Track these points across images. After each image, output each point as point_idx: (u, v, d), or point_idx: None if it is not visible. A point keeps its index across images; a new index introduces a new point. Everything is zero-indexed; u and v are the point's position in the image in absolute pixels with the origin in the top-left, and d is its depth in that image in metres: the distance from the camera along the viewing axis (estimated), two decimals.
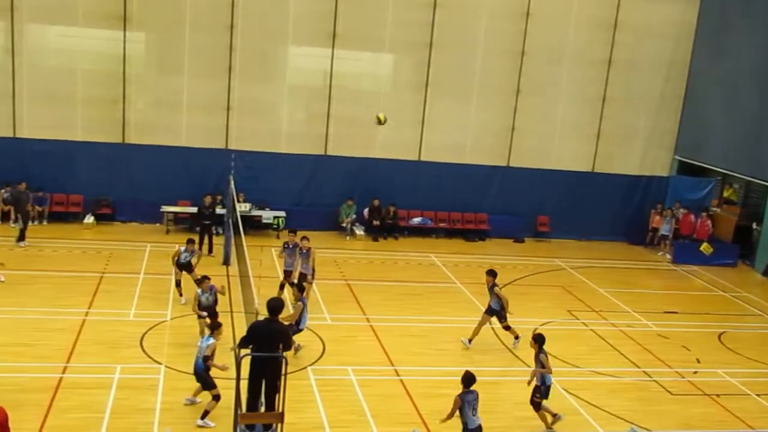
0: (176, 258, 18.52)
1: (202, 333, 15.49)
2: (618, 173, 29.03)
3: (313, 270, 18.68)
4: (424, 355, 16.82)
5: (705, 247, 26.75)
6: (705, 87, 28.20)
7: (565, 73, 28.04)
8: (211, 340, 13.32)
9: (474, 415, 12.00)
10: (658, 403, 15.56)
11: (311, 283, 18.62)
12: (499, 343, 17.74)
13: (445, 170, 27.71)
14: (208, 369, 13.25)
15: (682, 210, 28.14)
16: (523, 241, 28.28)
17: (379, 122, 19.96)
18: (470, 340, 17.28)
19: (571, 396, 15.34)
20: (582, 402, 15.15)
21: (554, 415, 13.92)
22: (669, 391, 16.12)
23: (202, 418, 13.03)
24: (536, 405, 13.80)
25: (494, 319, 17.40)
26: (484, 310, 17.59)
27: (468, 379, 12.11)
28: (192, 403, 13.63)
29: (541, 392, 13.72)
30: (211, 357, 13.17)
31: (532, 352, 13.88)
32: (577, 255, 26.89)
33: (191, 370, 13.51)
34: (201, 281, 16.36)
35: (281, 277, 19.30)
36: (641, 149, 29.19)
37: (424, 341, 17.67)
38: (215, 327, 13.68)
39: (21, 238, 22.63)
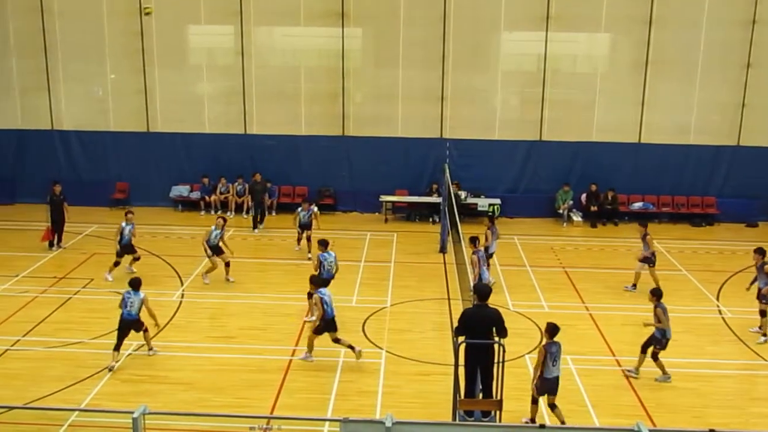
0: (297, 219, 21.17)
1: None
2: None
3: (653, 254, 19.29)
4: None
5: None
6: None
7: None
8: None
9: (553, 366, 12.29)
10: None
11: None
12: (730, 334, 16.66)
13: (668, 152, 26.33)
14: None
15: None
16: (756, 226, 26.29)
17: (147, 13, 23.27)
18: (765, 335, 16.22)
19: None
20: None
21: (665, 373, 14.35)
22: None
23: None
24: (655, 356, 14.32)
25: (726, 309, 16.31)
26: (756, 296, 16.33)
27: (552, 329, 12.43)
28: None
29: (661, 345, 14.27)
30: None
31: None
32: None
33: (412, 355, 13.78)
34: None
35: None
36: None
37: (648, 331, 16.86)
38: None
39: (254, 226, 24.29)
